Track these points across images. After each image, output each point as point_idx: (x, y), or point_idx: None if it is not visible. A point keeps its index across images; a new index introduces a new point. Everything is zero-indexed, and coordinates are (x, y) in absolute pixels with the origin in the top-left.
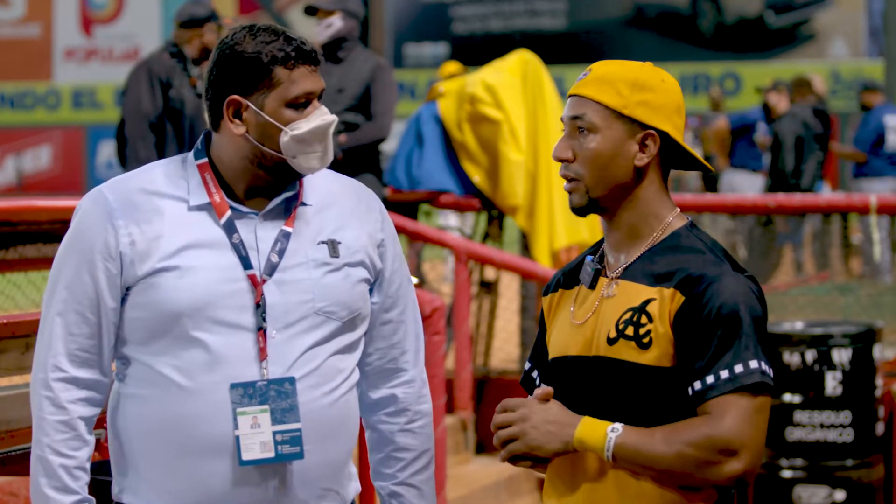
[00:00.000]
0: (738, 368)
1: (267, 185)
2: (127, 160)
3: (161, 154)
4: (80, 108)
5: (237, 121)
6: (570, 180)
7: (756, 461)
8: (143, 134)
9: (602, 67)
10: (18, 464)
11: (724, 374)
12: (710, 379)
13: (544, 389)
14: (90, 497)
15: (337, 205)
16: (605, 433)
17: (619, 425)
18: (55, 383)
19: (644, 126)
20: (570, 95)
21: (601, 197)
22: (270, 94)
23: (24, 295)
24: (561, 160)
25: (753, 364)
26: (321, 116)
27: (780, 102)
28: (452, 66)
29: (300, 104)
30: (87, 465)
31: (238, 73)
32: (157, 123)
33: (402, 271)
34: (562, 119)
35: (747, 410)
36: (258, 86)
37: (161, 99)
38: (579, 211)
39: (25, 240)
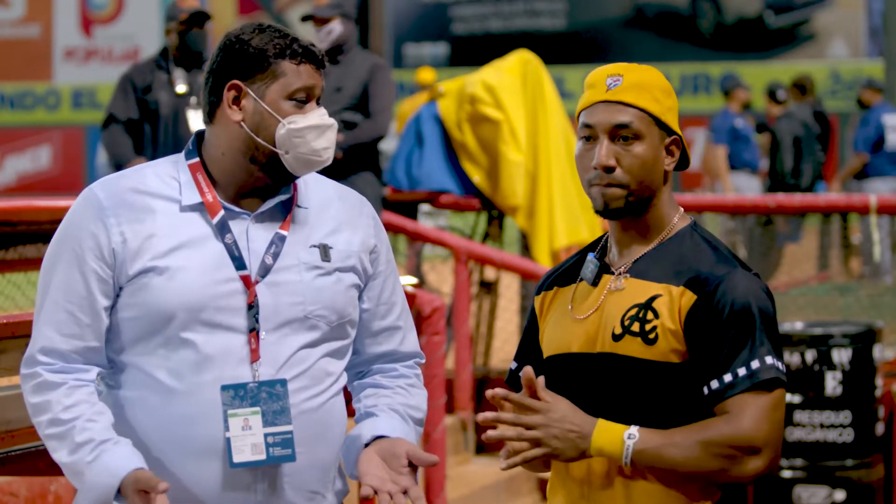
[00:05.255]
0: (755, 364)
1: (258, 184)
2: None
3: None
4: (79, 108)
5: (235, 107)
6: (609, 185)
7: (777, 457)
8: (110, 138)
9: (633, 74)
10: (18, 464)
11: (742, 371)
12: (727, 377)
13: (539, 382)
14: (113, 437)
15: (331, 209)
16: (622, 440)
17: (635, 430)
18: (48, 374)
19: (671, 132)
20: (604, 101)
21: (637, 202)
22: (272, 86)
23: (24, 295)
24: (606, 168)
25: (769, 360)
26: (320, 116)
27: (771, 107)
28: (427, 74)
29: (300, 100)
30: (95, 416)
31: (242, 62)
32: (129, 126)
33: (394, 277)
34: (589, 125)
35: (766, 408)
36: (261, 75)
37: (135, 103)
38: (612, 214)
39: (25, 240)
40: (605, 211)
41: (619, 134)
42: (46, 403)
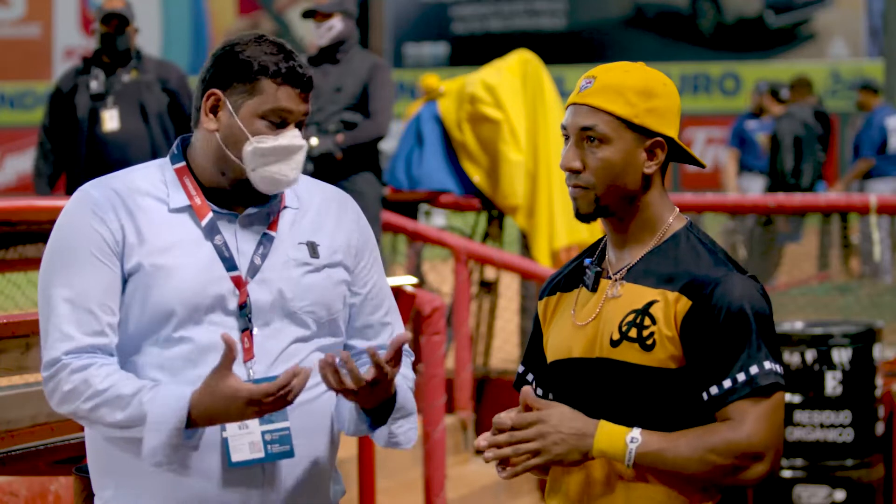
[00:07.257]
0: (754, 370)
1: (233, 193)
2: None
3: (58, 159)
4: None
5: (212, 116)
6: (577, 187)
7: (778, 460)
8: (39, 149)
9: (607, 75)
10: (18, 464)
11: (741, 377)
12: (727, 383)
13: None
14: (150, 382)
15: (316, 208)
16: (624, 443)
17: (637, 433)
18: (75, 362)
19: (652, 134)
20: (574, 104)
21: (609, 204)
22: (249, 101)
23: (24, 295)
24: (570, 170)
25: (767, 365)
26: (291, 138)
27: (773, 106)
28: (431, 80)
29: (274, 121)
30: (132, 378)
31: (225, 71)
32: (51, 131)
33: (380, 273)
34: (563, 126)
35: (766, 412)
36: (241, 89)
37: (56, 108)
38: (585, 218)
39: (25, 240)
40: (576, 213)
41: (586, 136)
42: (83, 383)
